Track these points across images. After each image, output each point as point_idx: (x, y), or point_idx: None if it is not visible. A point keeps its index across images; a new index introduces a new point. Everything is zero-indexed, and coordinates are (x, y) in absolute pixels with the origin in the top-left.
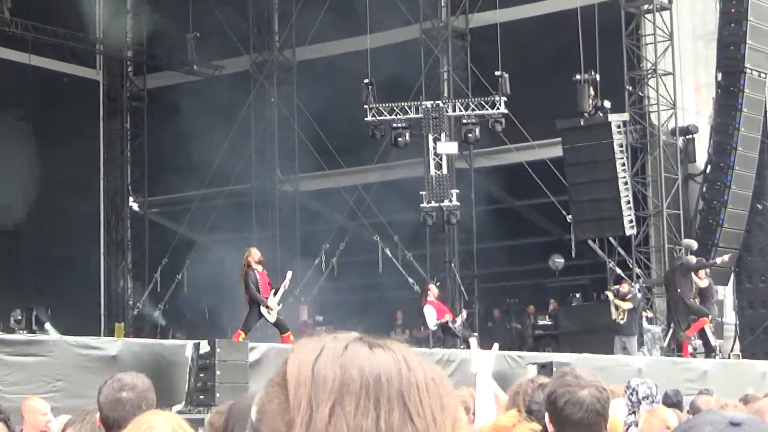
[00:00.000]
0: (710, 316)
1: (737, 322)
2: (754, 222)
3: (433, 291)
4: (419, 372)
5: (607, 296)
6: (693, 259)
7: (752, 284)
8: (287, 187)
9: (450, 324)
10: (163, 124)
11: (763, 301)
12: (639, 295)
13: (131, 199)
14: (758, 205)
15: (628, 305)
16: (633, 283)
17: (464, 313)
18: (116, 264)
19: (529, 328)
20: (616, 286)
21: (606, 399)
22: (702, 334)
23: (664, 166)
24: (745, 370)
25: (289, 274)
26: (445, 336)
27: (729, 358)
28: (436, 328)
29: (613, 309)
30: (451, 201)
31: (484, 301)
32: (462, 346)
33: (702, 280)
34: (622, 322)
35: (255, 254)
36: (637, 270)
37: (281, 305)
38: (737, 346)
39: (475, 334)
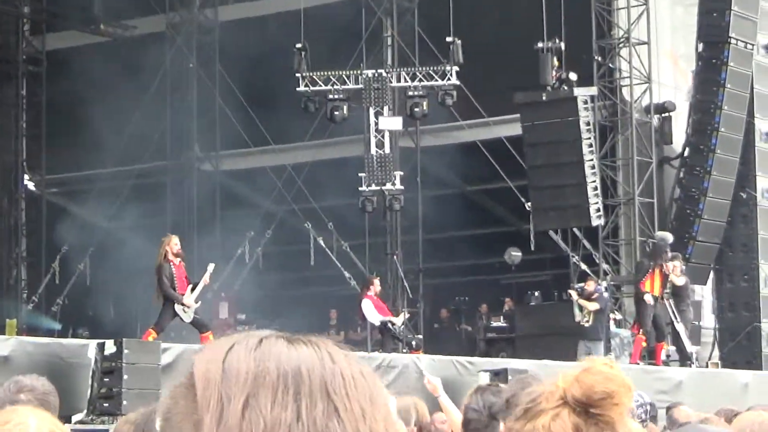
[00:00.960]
0: (643, 332)
1: (716, 326)
2: (737, 213)
3: (376, 287)
4: (344, 364)
5: (571, 295)
6: (678, 259)
7: (734, 284)
8: (207, 166)
9: (390, 325)
10: (64, 91)
11: (745, 303)
12: (606, 295)
13: (26, 177)
14: (742, 194)
15: (594, 306)
16: (599, 281)
17: (406, 312)
18: (8, 252)
19: (481, 331)
20: (581, 284)
21: None
22: (676, 339)
23: (636, 147)
24: (725, 381)
25: (211, 267)
26: (384, 339)
27: (707, 366)
28: (380, 323)
29: (576, 310)
30: (394, 184)
31: (429, 300)
32: (405, 350)
33: (678, 277)
34: (587, 324)
35: (174, 244)
36: (605, 266)
37: (199, 303)
38: (716, 353)
39: (419, 336)
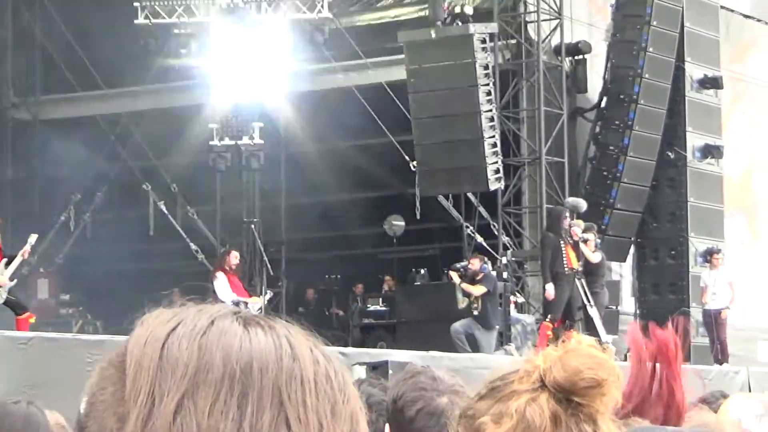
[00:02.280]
0: (551, 318)
1: (637, 312)
2: (664, 176)
3: (232, 261)
4: (308, 364)
5: (451, 278)
6: (578, 225)
7: (658, 260)
8: (23, 114)
9: (243, 308)
10: None
11: (672, 284)
12: (493, 274)
13: None
14: (669, 153)
15: (479, 290)
16: (486, 259)
17: (268, 293)
18: None
19: (356, 316)
20: (463, 263)
21: None
22: (589, 326)
23: (544, 97)
24: None
25: (32, 238)
26: None
27: (625, 359)
28: (232, 303)
29: (459, 295)
30: (252, 138)
31: (294, 278)
32: None
33: (593, 253)
34: (475, 312)
35: None
36: (505, 238)
37: (15, 281)
38: None
39: None
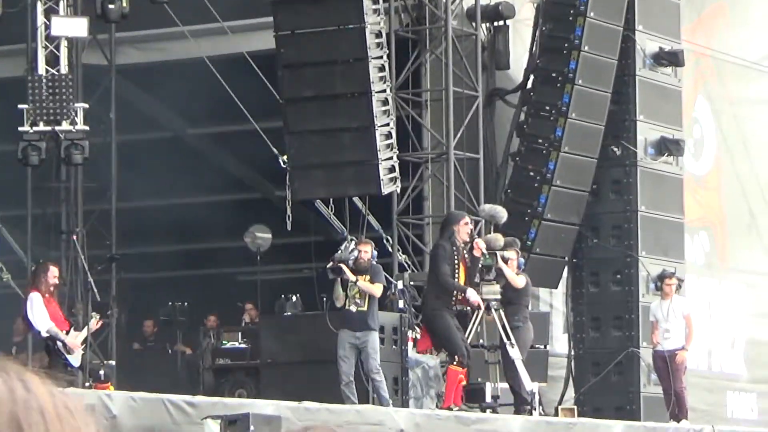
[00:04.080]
0: (458, 359)
1: (572, 353)
2: (607, 178)
3: (49, 278)
4: (45, 396)
5: (339, 270)
6: (499, 239)
7: (599, 287)
8: None
9: (59, 344)
10: None
11: (617, 318)
12: (379, 266)
13: None
14: (614, 149)
15: (379, 289)
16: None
17: (93, 321)
18: None
19: (208, 355)
20: (350, 249)
21: None
22: (509, 370)
23: (453, 74)
24: None
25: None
26: (52, 361)
27: (556, 414)
28: (46, 334)
29: (339, 290)
30: (73, 123)
31: (128, 305)
32: (88, 382)
33: (517, 275)
34: (355, 309)
35: None
36: (401, 256)
37: None
38: (571, 393)
39: (111, 362)
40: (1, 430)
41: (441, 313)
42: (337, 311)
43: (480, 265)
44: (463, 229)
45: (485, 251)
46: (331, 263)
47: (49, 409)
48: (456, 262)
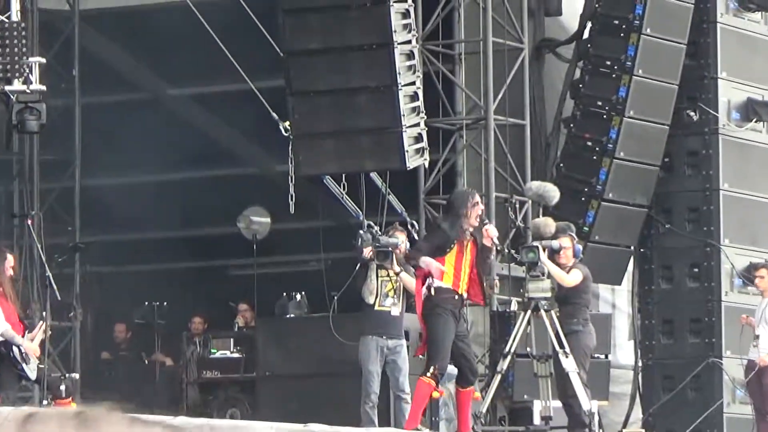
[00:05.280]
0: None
1: (639, 364)
2: (682, 149)
3: (5, 269)
4: None
5: (374, 259)
6: (549, 224)
7: (672, 283)
8: None
9: (14, 350)
10: None
11: (695, 321)
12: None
13: None
14: (690, 113)
15: (411, 280)
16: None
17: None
18: None
19: (193, 366)
20: (380, 236)
21: None
22: (563, 383)
23: (493, 22)
24: None
25: None
26: (2, 368)
27: None
28: (1, 338)
29: (373, 281)
30: (28, 82)
31: (95, 304)
32: (46, 399)
33: (570, 270)
34: (395, 312)
35: None
36: None
37: None
38: (638, 413)
39: (74, 375)
40: None
41: (438, 312)
42: (366, 310)
43: (524, 262)
44: (473, 212)
45: (496, 240)
46: (370, 247)
47: None
48: (453, 249)
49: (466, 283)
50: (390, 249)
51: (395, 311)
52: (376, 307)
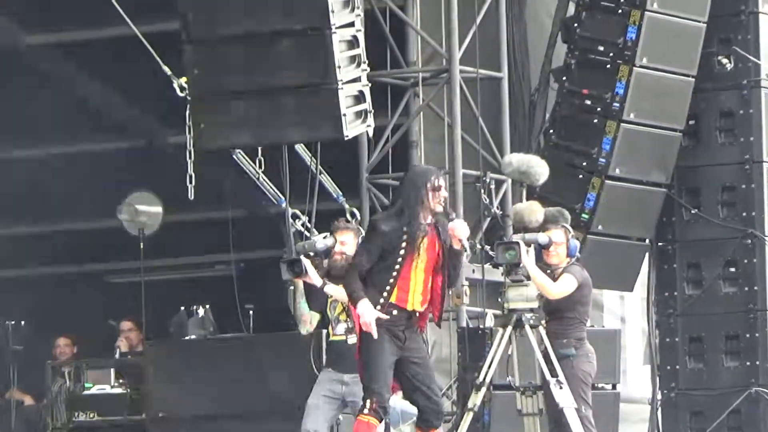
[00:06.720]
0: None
1: (658, 397)
2: (712, 109)
3: None
4: None
5: (300, 271)
6: (535, 211)
7: (702, 288)
8: None
9: None
10: None
11: (732, 339)
12: None
13: None
14: (723, 60)
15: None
16: None
17: None
18: None
19: (60, 407)
20: (321, 238)
21: None
22: (556, 420)
23: None
24: None
25: None
26: None
27: None
28: None
29: (302, 306)
30: None
31: None
32: None
33: (560, 276)
34: (349, 339)
35: None
36: None
37: None
38: None
39: None
40: None
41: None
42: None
43: (502, 263)
44: (434, 198)
45: (466, 242)
46: (285, 255)
47: None
48: (402, 252)
49: (421, 294)
50: (299, 256)
51: (352, 339)
52: (331, 337)
